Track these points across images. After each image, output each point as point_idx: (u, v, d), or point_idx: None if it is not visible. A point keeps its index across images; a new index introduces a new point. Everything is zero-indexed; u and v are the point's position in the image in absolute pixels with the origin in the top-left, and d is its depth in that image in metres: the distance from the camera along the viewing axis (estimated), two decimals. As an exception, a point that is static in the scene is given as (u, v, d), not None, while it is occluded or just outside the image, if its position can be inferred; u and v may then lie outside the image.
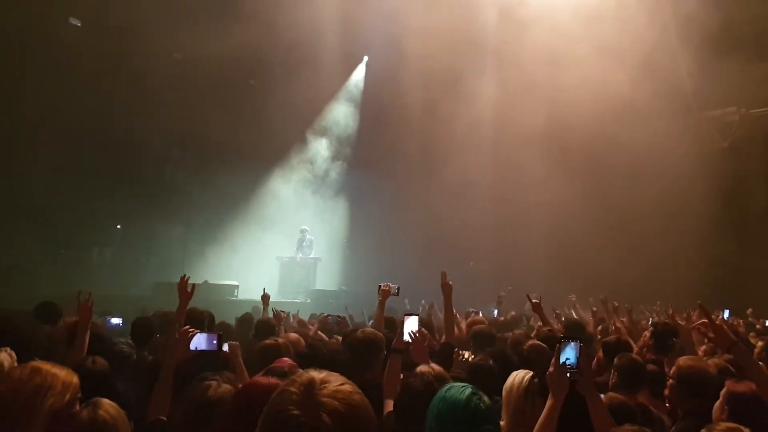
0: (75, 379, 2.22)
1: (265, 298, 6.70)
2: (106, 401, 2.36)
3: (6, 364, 2.71)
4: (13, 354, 2.79)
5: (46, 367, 2.19)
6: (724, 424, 2.36)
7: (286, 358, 3.55)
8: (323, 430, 1.21)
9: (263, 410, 1.29)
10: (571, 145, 14.78)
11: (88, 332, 3.90)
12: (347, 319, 6.48)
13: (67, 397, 2.16)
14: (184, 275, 4.30)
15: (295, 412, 1.23)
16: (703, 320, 3.25)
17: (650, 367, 4.05)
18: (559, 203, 15.10)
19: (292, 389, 1.28)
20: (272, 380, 2.21)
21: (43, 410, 2.08)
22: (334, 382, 1.29)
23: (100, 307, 7.64)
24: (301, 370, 1.36)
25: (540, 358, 3.71)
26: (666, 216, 14.41)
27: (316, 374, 1.31)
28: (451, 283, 5.10)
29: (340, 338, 5.12)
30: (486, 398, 2.23)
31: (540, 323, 5.80)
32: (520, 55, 14.71)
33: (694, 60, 14.36)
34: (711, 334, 3.15)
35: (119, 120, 13.66)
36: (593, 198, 14.45)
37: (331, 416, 1.22)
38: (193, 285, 4.31)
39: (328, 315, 6.30)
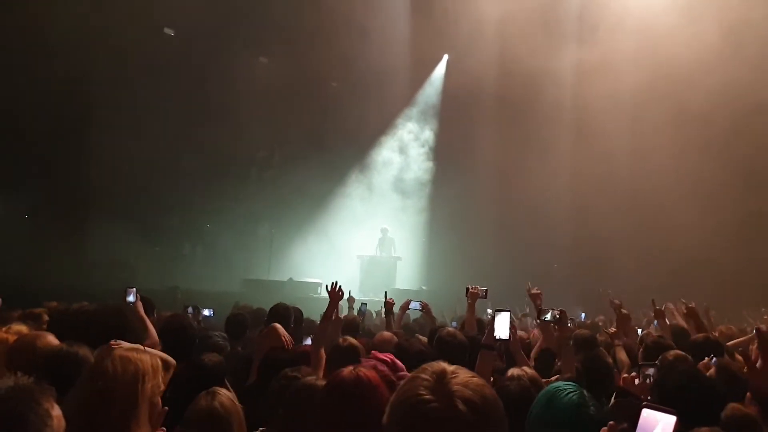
0: (159, 364, 2.29)
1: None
2: (223, 391, 2.50)
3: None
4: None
5: (132, 354, 2.24)
6: None
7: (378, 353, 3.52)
8: (458, 418, 1.19)
9: (393, 397, 1.28)
10: (664, 133, 13.95)
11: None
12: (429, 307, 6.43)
13: (159, 378, 2.26)
14: (335, 282, 4.29)
15: (428, 397, 1.21)
16: None
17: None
18: (647, 200, 14.38)
19: (423, 376, 1.26)
20: (365, 372, 2.20)
21: (145, 396, 2.17)
22: (464, 373, 1.28)
23: (191, 301, 8.02)
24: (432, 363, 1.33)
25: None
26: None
27: (446, 365, 1.29)
28: (537, 291, 4.92)
29: (424, 338, 5.08)
30: (593, 407, 2.07)
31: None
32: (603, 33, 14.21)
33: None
34: None
35: (208, 123, 14.27)
36: (693, 192, 13.40)
37: (466, 404, 1.20)
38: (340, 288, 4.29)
39: (410, 300, 6.27)
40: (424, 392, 1.22)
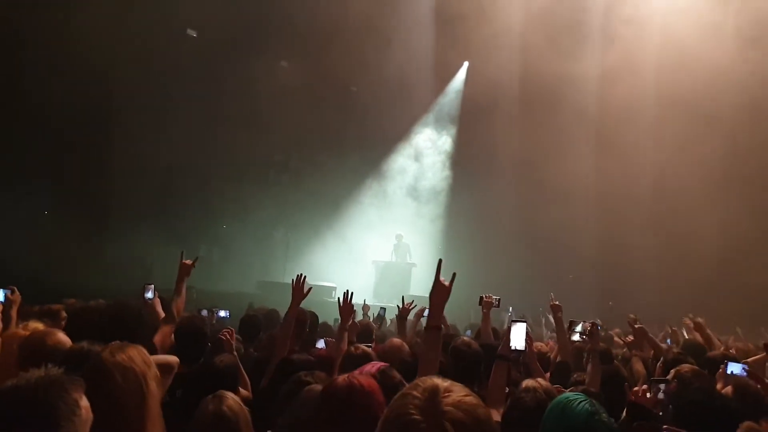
0: (147, 355, 2.27)
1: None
2: (230, 395, 2.50)
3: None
4: None
5: (122, 358, 2.19)
6: None
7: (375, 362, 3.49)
8: None
9: (385, 413, 1.27)
10: (689, 134, 13.70)
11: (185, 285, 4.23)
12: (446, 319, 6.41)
13: (154, 368, 2.26)
14: (301, 274, 4.19)
15: (417, 417, 1.19)
16: None
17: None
18: (669, 209, 14.15)
19: (415, 393, 1.24)
20: (359, 380, 2.19)
21: (152, 393, 2.19)
22: (458, 392, 1.24)
23: (208, 303, 8.07)
24: (424, 378, 1.31)
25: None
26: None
27: (440, 382, 1.27)
28: (558, 303, 4.95)
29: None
30: (605, 414, 2.07)
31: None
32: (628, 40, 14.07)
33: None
34: None
35: (227, 125, 14.38)
36: (716, 202, 13.10)
37: (454, 425, 1.17)
38: (309, 287, 4.22)
39: (425, 307, 6.25)
40: (413, 411, 1.20)
